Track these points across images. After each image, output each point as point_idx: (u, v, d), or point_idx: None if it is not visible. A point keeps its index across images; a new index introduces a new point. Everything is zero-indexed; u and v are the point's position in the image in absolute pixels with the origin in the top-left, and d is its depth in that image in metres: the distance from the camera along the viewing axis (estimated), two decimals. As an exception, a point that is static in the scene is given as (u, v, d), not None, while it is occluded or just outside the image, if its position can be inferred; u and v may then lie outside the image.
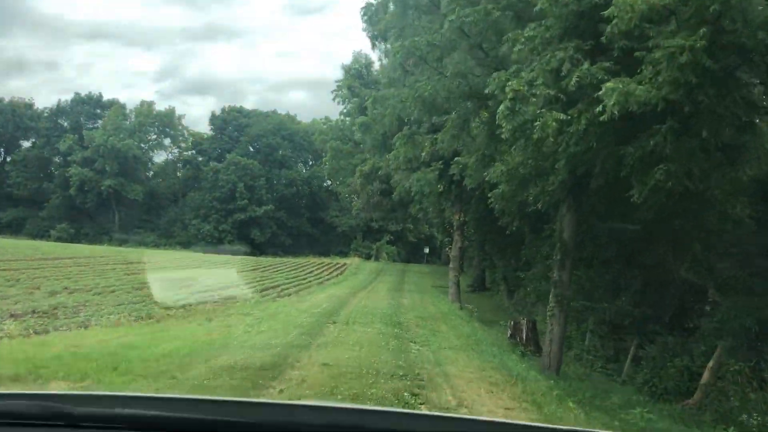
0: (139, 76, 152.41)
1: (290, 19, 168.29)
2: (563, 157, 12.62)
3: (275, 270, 50.70)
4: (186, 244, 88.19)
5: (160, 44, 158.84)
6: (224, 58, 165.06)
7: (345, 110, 62.43)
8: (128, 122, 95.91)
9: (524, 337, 20.05)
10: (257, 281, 37.11)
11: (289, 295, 29.91)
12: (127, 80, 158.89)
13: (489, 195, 18.07)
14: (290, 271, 50.35)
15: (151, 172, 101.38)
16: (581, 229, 17.84)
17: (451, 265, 31.04)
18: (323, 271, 52.64)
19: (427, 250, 75.62)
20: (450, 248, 31.61)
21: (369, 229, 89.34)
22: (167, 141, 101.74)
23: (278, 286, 33.80)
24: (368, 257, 77.78)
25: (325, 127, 64.94)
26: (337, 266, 58.42)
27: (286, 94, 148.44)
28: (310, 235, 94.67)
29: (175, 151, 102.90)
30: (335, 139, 61.50)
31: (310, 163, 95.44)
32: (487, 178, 17.22)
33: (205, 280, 29.83)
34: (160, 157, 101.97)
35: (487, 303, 37.37)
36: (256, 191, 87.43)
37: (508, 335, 20.83)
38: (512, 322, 21.36)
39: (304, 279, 42.54)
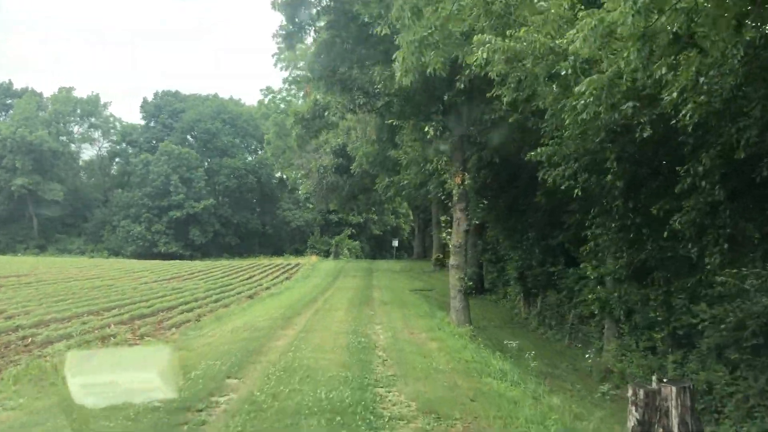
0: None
1: None
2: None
3: (204, 277, 38.53)
4: (115, 250, 75.11)
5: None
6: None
7: (290, 77, 50.34)
8: (44, 112, 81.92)
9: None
10: (158, 297, 24.85)
11: (185, 323, 17.78)
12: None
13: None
14: (223, 278, 38.11)
15: (80, 170, 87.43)
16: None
17: (451, 262, 18.92)
18: (267, 275, 40.52)
19: (396, 244, 63.59)
20: (446, 232, 19.11)
21: (327, 223, 77.28)
22: (98, 134, 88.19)
23: (178, 306, 21.60)
24: (328, 255, 65.80)
25: (267, 100, 52.19)
26: (287, 268, 46.50)
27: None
28: (260, 233, 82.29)
29: (107, 144, 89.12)
30: (279, 113, 49.76)
31: (258, 150, 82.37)
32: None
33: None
34: (89, 152, 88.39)
35: (498, 314, 25.67)
36: (194, 184, 74.47)
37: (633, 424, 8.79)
38: (637, 391, 9.25)
39: (233, 289, 30.52)
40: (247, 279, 38.33)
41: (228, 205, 78.76)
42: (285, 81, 49.63)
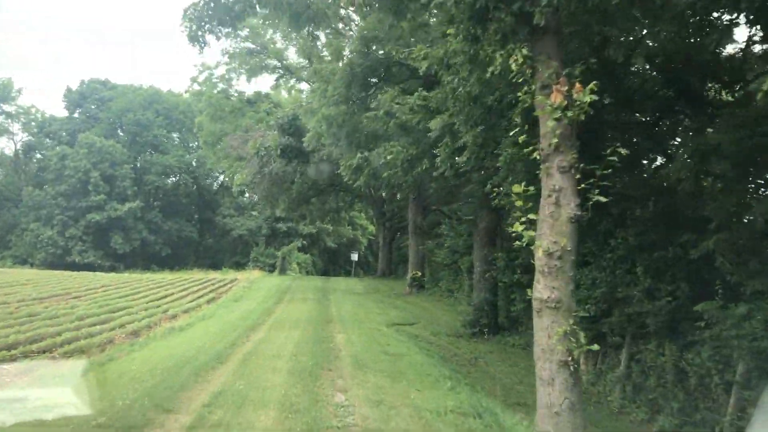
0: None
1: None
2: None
3: (102, 295, 28.39)
4: (23, 258, 62.98)
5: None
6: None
7: (229, 50, 39.87)
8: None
9: None
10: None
11: None
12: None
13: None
14: (125, 297, 27.75)
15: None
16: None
17: (539, 293, 7.83)
18: (188, 295, 30.26)
19: (355, 258, 53.31)
20: (522, 224, 8.61)
21: (274, 233, 66.66)
22: (17, 126, 75.57)
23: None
24: (273, 269, 55.15)
25: (202, 77, 41.42)
26: (219, 285, 36.07)
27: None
28: (196, 243, 71.09)
29: (25, 137, 76.45)
30: (218, 92, 39.48)
31: (197, 147, 71.09)
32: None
33: None
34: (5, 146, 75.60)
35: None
36: (118, 183, 62.92)
37: None
38: None
39: (116, 320, 20.02)
40: (156, 299, 27.85)
41: (159, 209, 67.33)
42: (225, 53, 38.85)
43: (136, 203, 62.43)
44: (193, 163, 71.01)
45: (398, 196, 28.63)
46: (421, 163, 16.16)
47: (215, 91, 39.23)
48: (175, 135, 69.91)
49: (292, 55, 40.91)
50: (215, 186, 76.06)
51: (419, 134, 15.33)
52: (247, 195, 68.53)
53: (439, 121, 13.05)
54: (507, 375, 14.02)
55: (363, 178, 20.22)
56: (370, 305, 25.20)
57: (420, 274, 29.67)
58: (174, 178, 69.45)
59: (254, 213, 71.25)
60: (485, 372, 14.44)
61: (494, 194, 11.10)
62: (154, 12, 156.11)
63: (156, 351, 13.86)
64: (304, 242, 65.12)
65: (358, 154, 19.55)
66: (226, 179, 61.61)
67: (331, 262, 73.64)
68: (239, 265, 63.55)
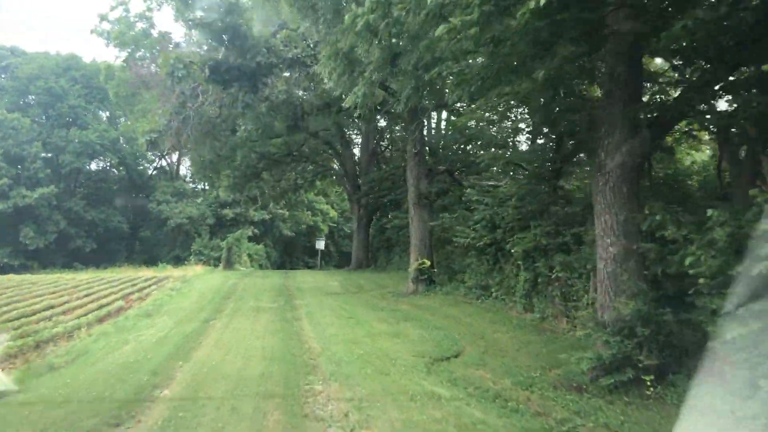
0: None
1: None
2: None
3: None
4: None
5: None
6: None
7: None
8: None
9: None
10: None
11: None
12: None
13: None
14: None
15: None
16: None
17: None
18: (90, 302, 19.85)
19: (321, 246, 42.89)
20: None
21: (220, 221, 56.07)
22: None
23: None
24: (219, 263, 44.64)
25: (111, 19, 30.13)
26: (140, 288, 26.20)
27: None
28: (128, 235, 59.78)
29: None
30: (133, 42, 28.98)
31: (124, 119, 59.33)
32: None
33: None
34: None
35: None
36: (27, 164, 51.14)
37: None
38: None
39: None
40: (28, 315, 17.48)
41: (80, 196, 55.77)
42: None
43: (50, 189, 50.72)
44: (121, 141, 59.33)
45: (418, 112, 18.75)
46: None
47: (131, 33, 28.59)
48: (96, 106, 57.83)
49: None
50: (150, 169, 64.67)
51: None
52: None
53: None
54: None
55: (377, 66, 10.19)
56: (368, 318, 15.25)
57: (429, 263, 19.79)
58: (99, 159, 57.81)
59: (198, 200, 60.49)
60: None
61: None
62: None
63: None
64: (256, 231, 54.63)
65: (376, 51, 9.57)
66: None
67: (288, 253, 63.27)
68: (179, 260, 52.80)
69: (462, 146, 25.58)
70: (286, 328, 13.72)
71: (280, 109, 20.03)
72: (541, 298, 14.63)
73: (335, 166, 37.55)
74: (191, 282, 28.32)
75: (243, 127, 23.78)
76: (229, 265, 37.50)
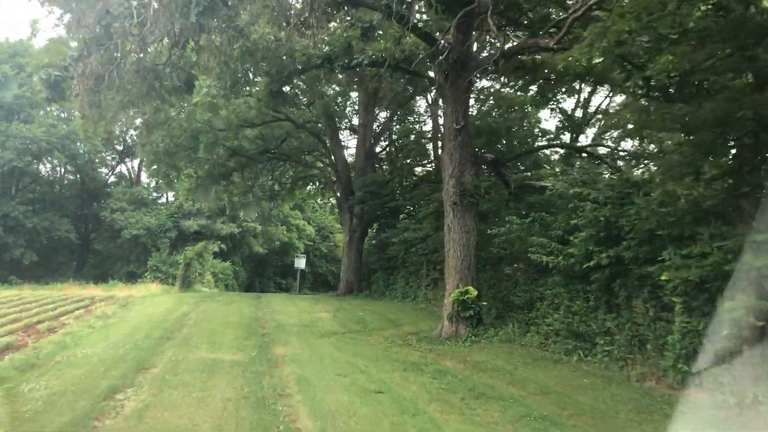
0: None
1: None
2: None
3: None
4: None
5: None
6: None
7: None
8: None
9: None
10: None
11: None
12: None
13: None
14: None
15: None
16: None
17: None
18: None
19: (302, 265, 35.37)
20: None
21: (182, 234, 48.40)
22: None
23: None
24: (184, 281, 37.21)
25: None
26: (64, 312, 19.57)
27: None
28: (78, 247, 51.92)
29: None
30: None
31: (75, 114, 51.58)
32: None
33: None
34: None
35: None
36: (-44, 162, 43.32)
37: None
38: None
39: None
40: None
41: (21, 200, 47.79)
42: None
43: (-18, 191, 42.92)
44: (78, 144, 51.48)
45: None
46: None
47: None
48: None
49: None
50: (108, 174, 57.02)
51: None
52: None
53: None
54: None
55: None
56: (409, 393, 8.31)
57: (475, 293, 12.92)
58: (47, 160, 50.00)
59: (161, 207, 52.97)
60: None
61: None
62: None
63: None
64: (223, 246, 47.14)
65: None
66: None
67: (259, 273, 55.83)
68: (134, 277, 45.15)
69: (511, 131, 19.00)
70: (262, 424, 6.73)
71: (258, 56, 13.16)
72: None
73: (322, 167, 30.59)
74: (130, 307, 21.13)
75: (204, 90, 16.81)
76: (187, 285, 30.18)
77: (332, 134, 26.99)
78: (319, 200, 44.45)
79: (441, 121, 22.10)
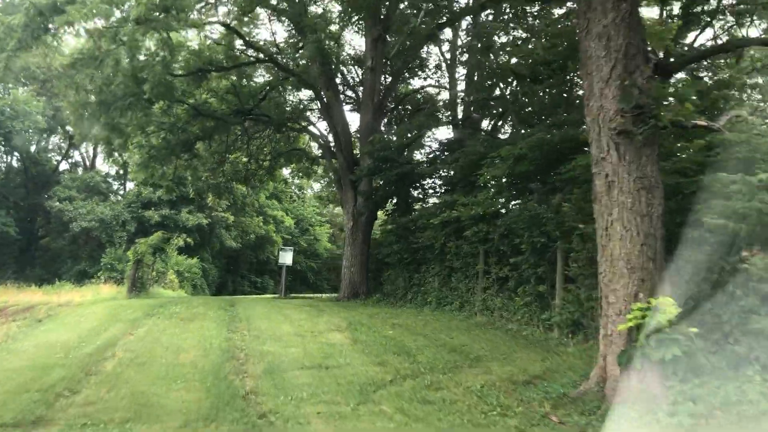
0: None
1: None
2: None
3: None
4: None
5: None
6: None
7: None
8: None
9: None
10: None
11: None
12: None
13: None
14: None
15: None
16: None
17: None
18: None
19: (287, 261, 27.83)
20: None
21: (142, 225, 40.85)
22: None
23: None
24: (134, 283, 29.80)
25: None
26: None
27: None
28: (21, 243, 44.20)
29: None
30: None
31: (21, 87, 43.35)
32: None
33: None
34: None
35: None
36: None
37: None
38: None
39: None
40: None
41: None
42: None
43: None
44: (11, 116, 43.14)
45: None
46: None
47: None
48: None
49: None
50: (58, 159, 49.12)
51: None
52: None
53: None
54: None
55: None
56: None
57: (675, 310, 6.18)
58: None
59: (119, 196, 45.51)
60: None
61: None
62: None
63: None
64: (189, 240, 39.73)
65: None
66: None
67: (232, 271, 48.42)
68: (86, 277, 37.64)
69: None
70: None
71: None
72: None
73: (317, 135, 23.36)
74: (45, 324, 14.20)
75: None
76: (138, 286, 22.96)
77: (328, 85, 19.80)
78: (307, 182, 36.94)
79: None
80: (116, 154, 20.24)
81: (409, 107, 22.32)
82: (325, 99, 19.78)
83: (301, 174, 30.22)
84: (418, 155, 19.74)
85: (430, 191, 18.52)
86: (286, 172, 33.52)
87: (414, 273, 17.08)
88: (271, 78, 21.40)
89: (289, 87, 20.99)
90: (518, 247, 11.51)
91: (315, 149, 26.57)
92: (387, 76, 21.33)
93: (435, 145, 19.67)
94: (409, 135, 18.11)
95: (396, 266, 18.13)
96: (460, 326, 12.16)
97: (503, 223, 11.87)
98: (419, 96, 24.45)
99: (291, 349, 9.71)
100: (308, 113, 23.62)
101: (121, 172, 48.02)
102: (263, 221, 47.75)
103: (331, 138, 21.59)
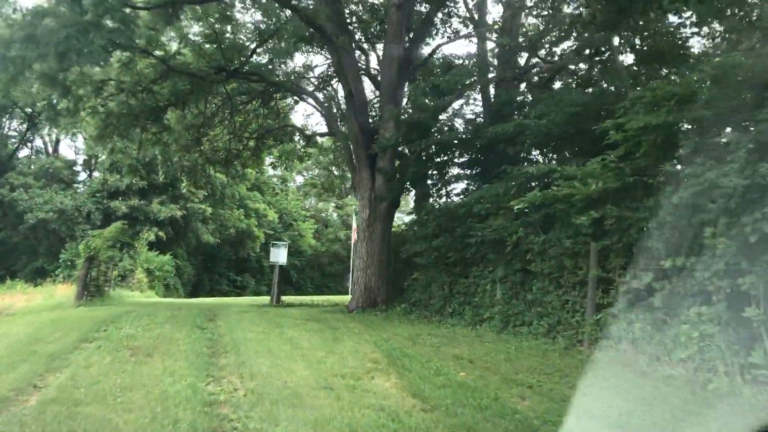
0: None
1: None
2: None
3: None
4: None
5: None
6: None
7: None
8: None
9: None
10: None
11: None
12: None
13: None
14: None
15: None
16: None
17: None
18: None
19: (281, 260, 22.66)
20: None
21: (108, 219, 35.72)
22: None
23: None
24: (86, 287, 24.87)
25: None
26: None
27: None
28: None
29: None
30: None
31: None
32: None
33: None
34: None
35: None
36: None
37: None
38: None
39: None
40: None
41: None
42: None
43: None
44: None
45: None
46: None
47: None
48: None
49: None
50: (16, 143, 43.67)
51: None
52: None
53: None
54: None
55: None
56: None
57: None
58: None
59: (82, 184, 40.29)
60: None
61: None
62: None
63: None
64: (162, 234, 34.72)
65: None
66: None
67: (209, 269, 43.38)
68: (43, 274, 32.57)
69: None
70: None
71: None
72: None
73: (318, 101, 18.44)
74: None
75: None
76: (93, 291, 18.17)
77: (341, 29, 14.89)
78: (299, 165, 31.98)
79: None
80: (62, 120, 15.25)
81: (438, 70, 17.47)
82: (336, 47, 14.86)
83: (290, 159, 25.35)
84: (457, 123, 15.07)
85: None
86: (269, 161, 28.78)
87: (459, 277, 12.50)
88: (264, 24, 16.58)
89: (287, 37, 16.11)
90: (677, 242, 7.02)
91: (311, 126, 21.81)
92: (413, 26, 16.59)
93: (479, 109, 15.11)
94: (446, 97, 13.52)
95: (430, 268, 13.45)
96: (569, 365, 7.64)
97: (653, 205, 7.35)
98: (453, 57, 19.52)
99: (327, 427, 5.10)
100: (309, 74, 18.89)
101: (88, 157, 42.87)
102: (244, 214, 42.87)
103: (342, 102, 16.84)
